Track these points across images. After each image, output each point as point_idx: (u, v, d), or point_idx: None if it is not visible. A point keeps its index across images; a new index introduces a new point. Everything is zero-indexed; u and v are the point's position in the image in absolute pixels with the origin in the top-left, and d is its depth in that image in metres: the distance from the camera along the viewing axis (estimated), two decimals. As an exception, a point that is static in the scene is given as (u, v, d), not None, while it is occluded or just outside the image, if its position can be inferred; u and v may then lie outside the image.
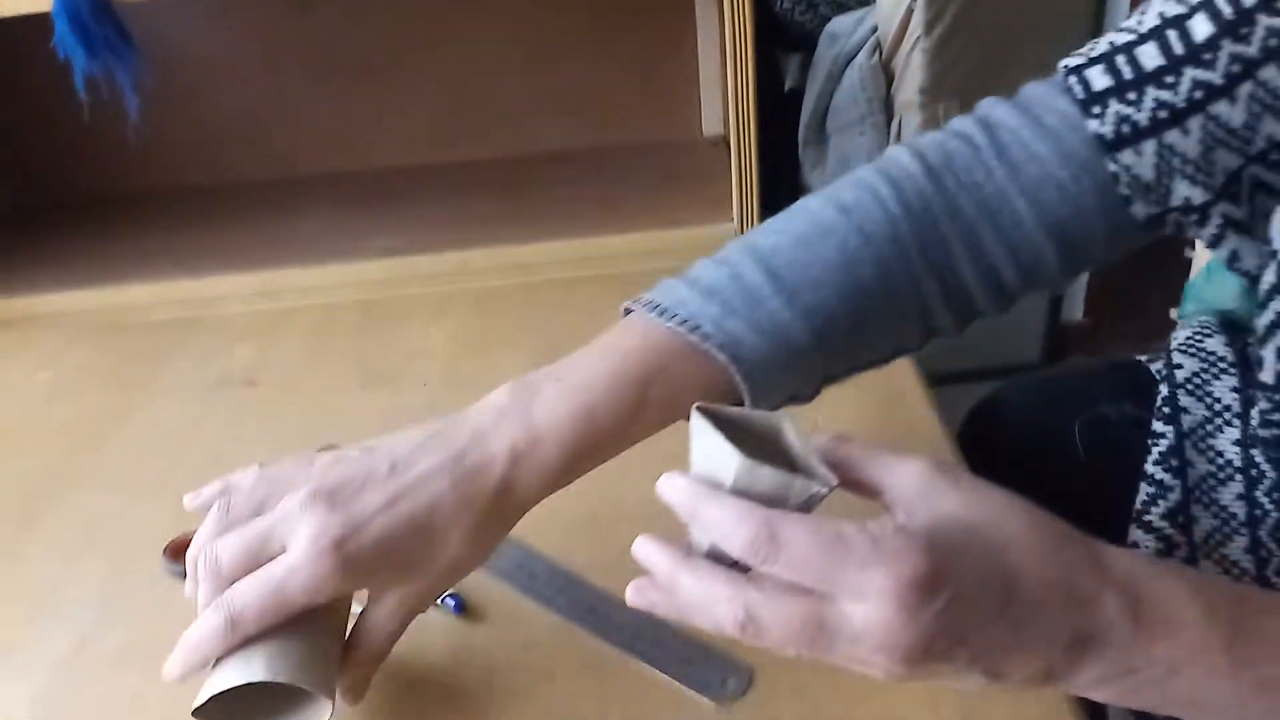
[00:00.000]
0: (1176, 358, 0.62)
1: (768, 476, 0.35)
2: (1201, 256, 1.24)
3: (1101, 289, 1.76)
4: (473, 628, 0.52)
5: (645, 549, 0.37)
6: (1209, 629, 0.34)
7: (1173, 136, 0.45)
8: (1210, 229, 0.47)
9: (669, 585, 0.37)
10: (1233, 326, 0.63)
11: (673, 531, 0.60)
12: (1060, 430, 0.63)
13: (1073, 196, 0.47)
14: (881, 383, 0.60)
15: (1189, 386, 0.59)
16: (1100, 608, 0.34)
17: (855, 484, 0.38)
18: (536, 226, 1.08)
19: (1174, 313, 0.75)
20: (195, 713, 0.41)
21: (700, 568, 0.36)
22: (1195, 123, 0.44)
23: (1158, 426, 0.59)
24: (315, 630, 0.43)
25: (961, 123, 0.50)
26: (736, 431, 0.37)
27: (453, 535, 0.42)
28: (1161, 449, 0.58)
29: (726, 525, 0.35)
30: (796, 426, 0.38)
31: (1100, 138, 0.46)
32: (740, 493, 0.35)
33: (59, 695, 0.51)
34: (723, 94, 1.28)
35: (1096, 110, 0.46)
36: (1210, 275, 0.70)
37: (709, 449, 0.37)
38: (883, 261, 0.47)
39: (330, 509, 0.41)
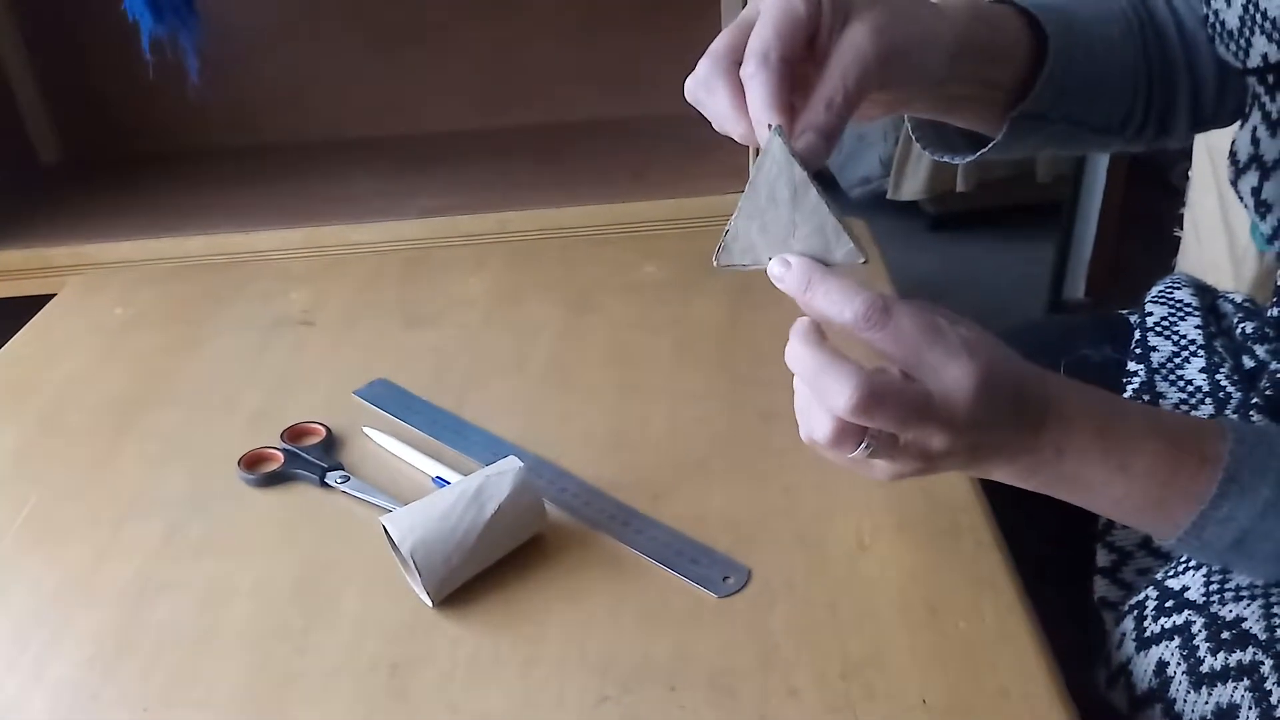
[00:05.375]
0: (1149, 306, 0.70)
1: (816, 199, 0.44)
2: (1189, 239, 1.30)
3: (1101, 269, 1.83)
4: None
5: (780, 267, 0.45)
6: (1085, 419, 0.45)
7: None
8: None
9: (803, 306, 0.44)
10: (1201, 286, 0.71)
11: (686, 453, 0.68)
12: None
13: (1196, 43, 0.59)
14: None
15: (1158, 328, 0.67)
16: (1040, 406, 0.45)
17: None
18: (571, 191, 1.15)
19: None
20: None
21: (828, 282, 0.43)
22: None
23: (1131, 365, 0.67)
24: (476, 545, 0.55)
25: None
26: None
27: None
28: (1135, 385, 0.65)
29: (843, 295, 0.42)
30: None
31: None
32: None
33: (154, 575, 0.59)
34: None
35: None
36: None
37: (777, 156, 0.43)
38: (1123, 29, 0.59)
39: None
